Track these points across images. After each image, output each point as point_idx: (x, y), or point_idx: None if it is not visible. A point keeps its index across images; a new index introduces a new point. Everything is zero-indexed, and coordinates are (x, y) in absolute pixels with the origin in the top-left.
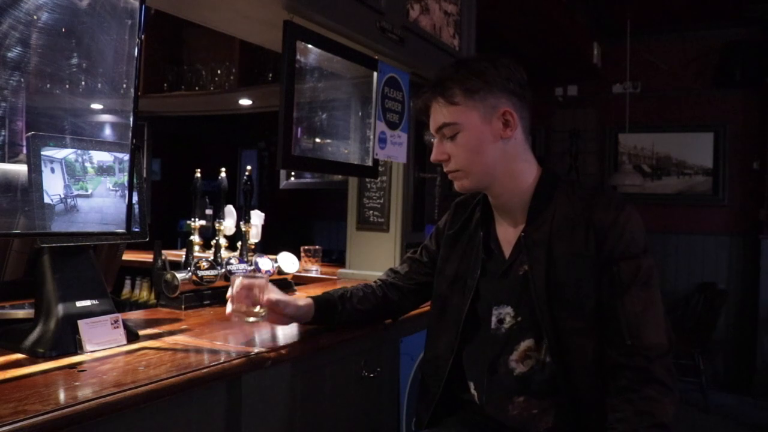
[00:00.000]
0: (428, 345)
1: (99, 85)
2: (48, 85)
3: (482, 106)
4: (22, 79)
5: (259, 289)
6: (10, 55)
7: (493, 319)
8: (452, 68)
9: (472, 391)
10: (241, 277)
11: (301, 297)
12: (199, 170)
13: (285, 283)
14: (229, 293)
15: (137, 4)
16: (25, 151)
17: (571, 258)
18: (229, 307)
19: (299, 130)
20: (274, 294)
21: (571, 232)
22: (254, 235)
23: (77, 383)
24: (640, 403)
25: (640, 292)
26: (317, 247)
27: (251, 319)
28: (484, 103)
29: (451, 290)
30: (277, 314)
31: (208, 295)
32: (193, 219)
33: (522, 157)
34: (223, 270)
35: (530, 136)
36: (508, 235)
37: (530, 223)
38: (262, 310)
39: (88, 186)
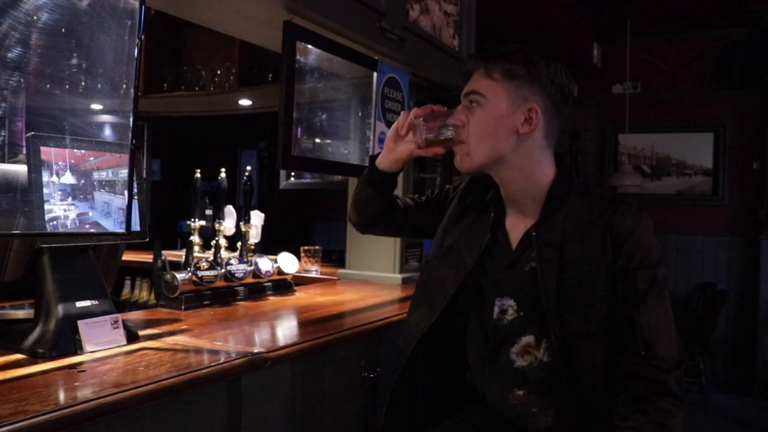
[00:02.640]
0: (410, 309)
1: (99, 85)
2: (48, 86)
3: (515, 93)
4: (22, 80)
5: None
6: (10, 55)
7: (496, 309)
8: (508, 47)
9: (472, 372)
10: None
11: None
12: (199, 170)
13: (285, 283)
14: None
15: (137, 4)
16: (25, 151)
17: (585, 261)
18: (410, 116)
19: (299, 130)
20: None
21: (586, 235)
22: (254, 235)
23: (77, 383)
24: (654, 414)
25: (654, 303)
26: (317, 247)
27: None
28: (518, 91)
29: (442, 261)
30: (409, 146)
31: (208, 295)
32: (193, 219)
33: (536, 158)
34: (223, 270)
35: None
36: (517, 227)
37: (542, 223)
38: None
39: (88, 187)
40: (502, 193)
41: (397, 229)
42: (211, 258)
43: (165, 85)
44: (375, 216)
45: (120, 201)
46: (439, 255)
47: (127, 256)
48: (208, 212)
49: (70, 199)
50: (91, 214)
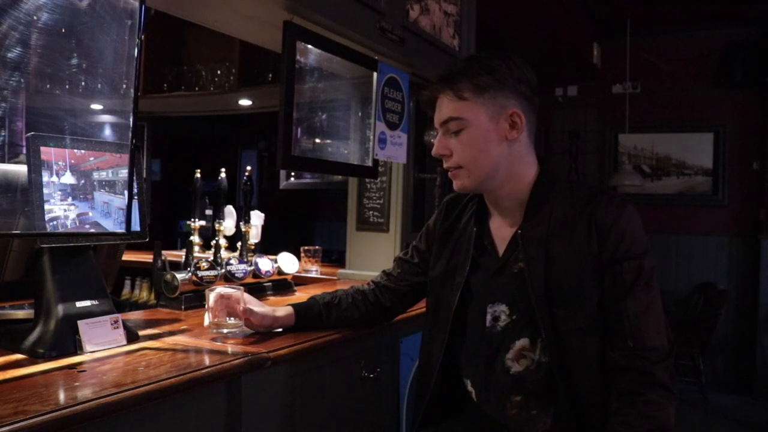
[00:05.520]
0: (423, 344)
1: (99, 85)
2: (48, 86)
3: (491, 105)
4: (22, 80)
5: (235, 300)
6: (10, 55)
7: (488, 317)
8: (464, 63)
9: (469, 388)
10: (217, 290)
11: (282, 306)
12: (199, 170)
13: (285, 283)
14: (206, 306)
15: (137, 4)
16: (25, 151)
17: (571, 256)
18: (206, 320)
19: (299, 130)
20: (250, 305)
21: (572, 230)
22: (254, 235)
23: (77, 384)
24: (644, 407)
25: (641, 294)
26: (317, 247)
27: (226, 330)
28: (494, 101)
29: (442, 287)
30: (255, 325)
31: None
32: (193, 219)
33: (525, 159)
34: (223, 270)
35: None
36: (503, 232)
37: (527, 221)
38: (239, 322)
39: (88, 187)
40: (487, 200)
41: (413, 296)
42: (211, 258)
43: (165, 85)
44: (387, 312)
45: (120, 201)
46: (438, 282)
47: (127, 256)
48: (208, 212)
49: (70, 199)
50: (91, 214)
